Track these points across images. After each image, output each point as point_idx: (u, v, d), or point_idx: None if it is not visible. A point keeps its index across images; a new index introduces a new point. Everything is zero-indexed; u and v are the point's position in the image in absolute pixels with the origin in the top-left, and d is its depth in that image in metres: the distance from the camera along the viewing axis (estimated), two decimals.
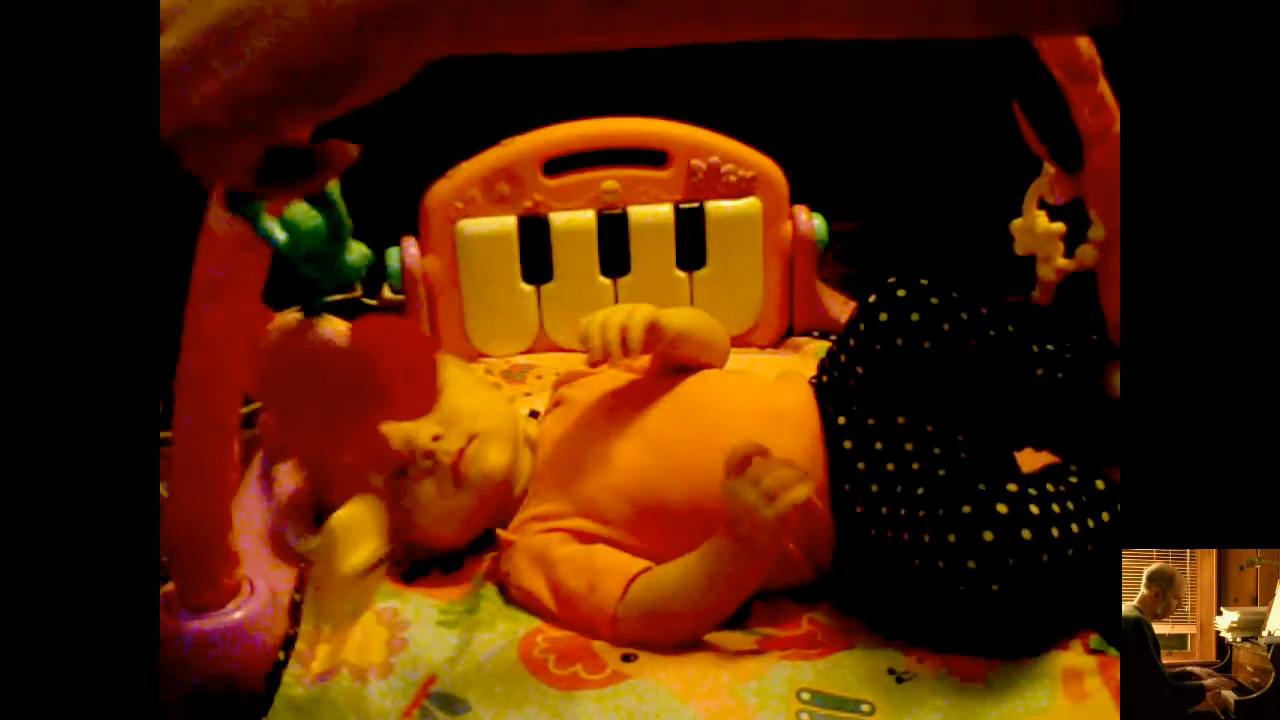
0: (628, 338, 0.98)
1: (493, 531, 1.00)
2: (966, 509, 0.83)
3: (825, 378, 1.05)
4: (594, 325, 0.99)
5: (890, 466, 0.93)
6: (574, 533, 0.96)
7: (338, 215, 0.57)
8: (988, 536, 0.82)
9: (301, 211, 0.56)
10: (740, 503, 0.86)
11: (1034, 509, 0.83)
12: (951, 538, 0.83)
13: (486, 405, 1.03)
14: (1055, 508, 0.85)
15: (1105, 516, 0.86)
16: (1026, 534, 0.82)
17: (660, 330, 1.00)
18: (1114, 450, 0.91)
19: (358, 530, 0.91)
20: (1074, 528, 0.85)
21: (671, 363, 1.08)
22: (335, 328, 0.61)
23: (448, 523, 0.99)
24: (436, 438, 0.97)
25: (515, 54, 0.51)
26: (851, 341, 1.01)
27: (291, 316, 0.61)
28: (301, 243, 0.56)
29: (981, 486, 0.86)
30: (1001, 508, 0.83)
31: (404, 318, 1.29)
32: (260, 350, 0.61)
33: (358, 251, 0.59)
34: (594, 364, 0.99)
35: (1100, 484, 0.88)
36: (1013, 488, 0.85)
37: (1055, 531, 0.83)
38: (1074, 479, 0.89)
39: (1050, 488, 0.86)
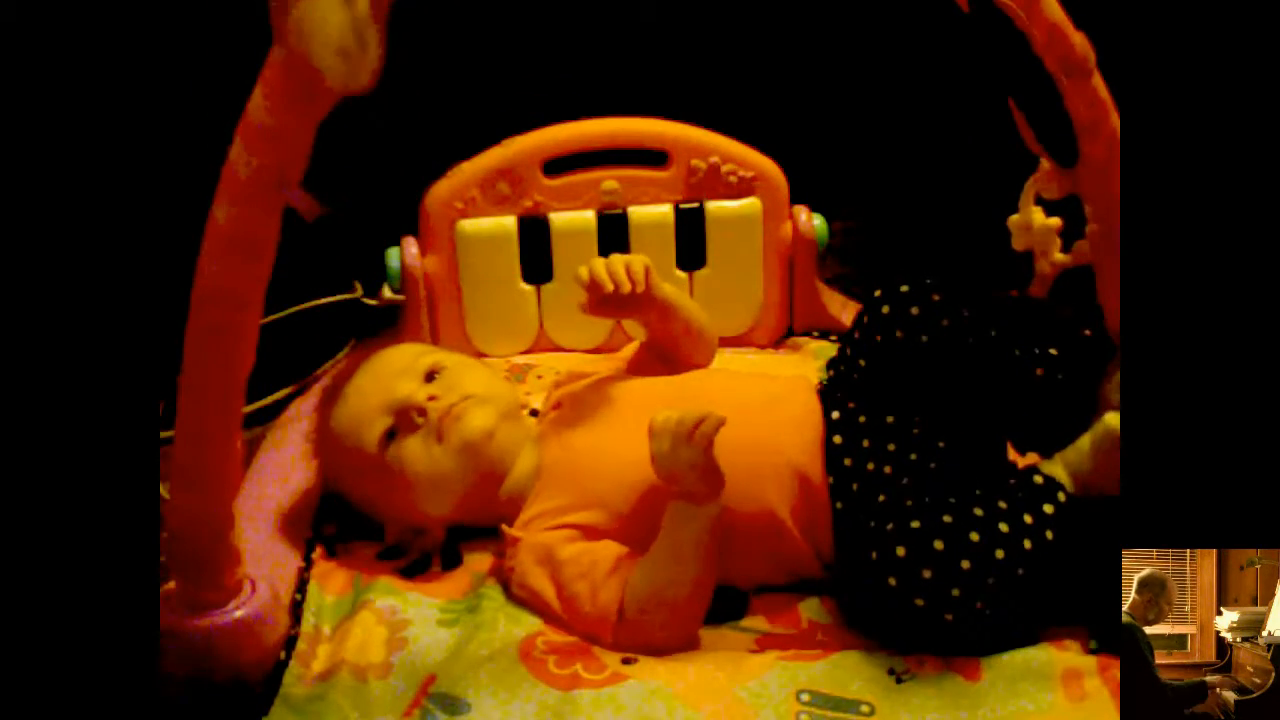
0: (632, 273, 1.03)
1: (492, 529, 1.00)
2: (915, 525, 0.85)
3: (832, 372, 1.06)
4: (598, 264, 1.03)
5: (870, 466, 0.94)
6: (580, 528, 0.96)
7: None
8: (938, 545, 0.84)
9: None
10: (664, 456, 0.89)
11: (974, 536, 0.84)
12: (901, 551, 0.84)
13: (486, 380, 1.05)
14: (1003, 527, 0.85)
15: (1049, 535, 0.87)
16: (966, 564, 0.84)
17: (652, 281, 1.05)
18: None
19: None
20: (1027, 543, 0.86)
21: (659, 344, 1.11)
22: None
23: (435, 489, 0.99)
24: (432, 398, 0.99)
25: None
26: (856, 334, 1.03)
27: None
28: None
29: (951, 499, 0.87)
30: (948, 519, 0.85)
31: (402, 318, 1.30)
32: None
33: None
34: (597, 301, 1.03)
35: (1049, 508, 0.88)
36: (977, 512, 0.86)
37: (1000, 553, 0.85)
38: (1029, 489, 0.89)
39: (1003, 505, 0.87)
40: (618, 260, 1.04)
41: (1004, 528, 0.85)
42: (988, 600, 0.84)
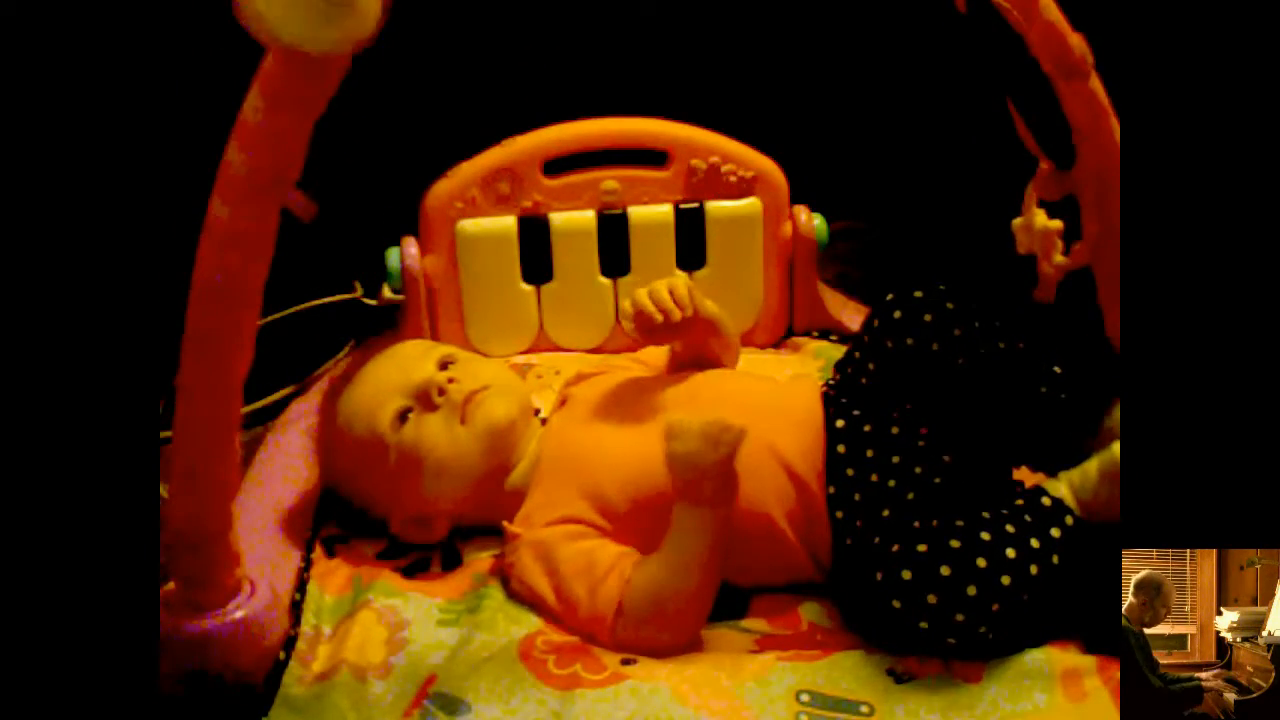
0: (677, 297, 1.02)
1: (492, 529, 1.00)
2: (922, 548, 0.85)
3: (839, 375, 1.06)
4: (641, 296, 1.03)
5: (874, 477, 0.94)
6: (578, 522, 0.96)
7: None
8: (945, 571, 0.84)
9: None
10: (683, 457, 0.88)
11: (981, 561, 0.84)
12: (907, 574, 0.84)
13: (501, 372, 1.08)
14: (1010, 552, 0.85)
15: (1055, 559, 0.86)
16: (972, 590, 0.83)
17: (698, 301, 1.04)
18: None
19: None
20: (1033, 569, 0.85)
21: (694, 354, 1.11)
22: None
23: (450, 471, 0.99)
24: (452, 380, 1.00)
25: None
26: (866, 338, 1.03)
27: None
28: None
29: (959, 521, 0.87)
30: (955, 543, 0.85)
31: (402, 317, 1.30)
32: None
33: None
34: (648, 331, 1.03)
35: (1056, 531, 0.88)
36: (984, 536, 0.85)
37: (1005, 580, 0.84)
38: (1037, 511, 0.89)
39: (1010, 529, 0.86)
40: (661, 287, 1.03)
41: (1011, 553, 0.85)
42: (991, 625, 0.84)
